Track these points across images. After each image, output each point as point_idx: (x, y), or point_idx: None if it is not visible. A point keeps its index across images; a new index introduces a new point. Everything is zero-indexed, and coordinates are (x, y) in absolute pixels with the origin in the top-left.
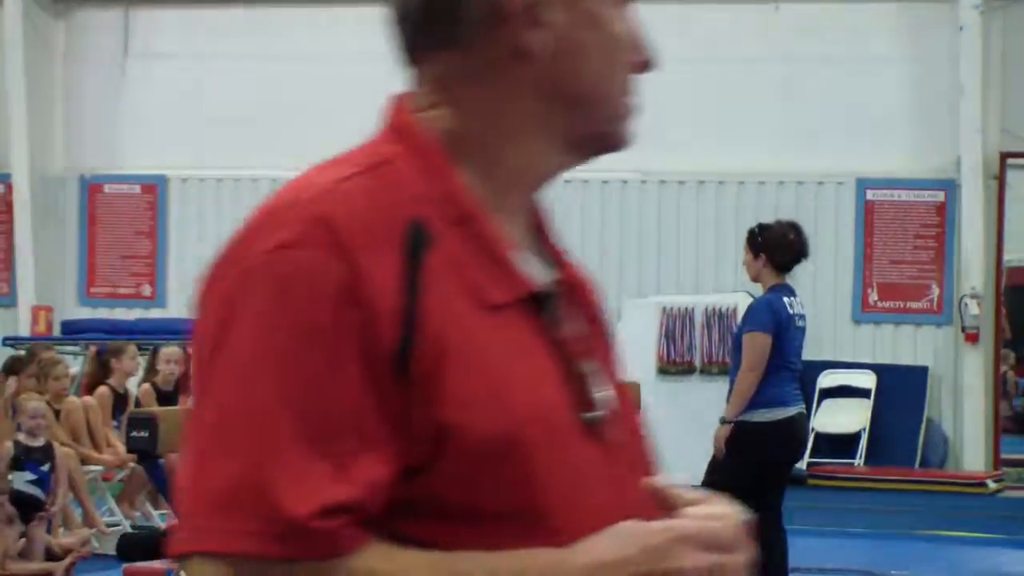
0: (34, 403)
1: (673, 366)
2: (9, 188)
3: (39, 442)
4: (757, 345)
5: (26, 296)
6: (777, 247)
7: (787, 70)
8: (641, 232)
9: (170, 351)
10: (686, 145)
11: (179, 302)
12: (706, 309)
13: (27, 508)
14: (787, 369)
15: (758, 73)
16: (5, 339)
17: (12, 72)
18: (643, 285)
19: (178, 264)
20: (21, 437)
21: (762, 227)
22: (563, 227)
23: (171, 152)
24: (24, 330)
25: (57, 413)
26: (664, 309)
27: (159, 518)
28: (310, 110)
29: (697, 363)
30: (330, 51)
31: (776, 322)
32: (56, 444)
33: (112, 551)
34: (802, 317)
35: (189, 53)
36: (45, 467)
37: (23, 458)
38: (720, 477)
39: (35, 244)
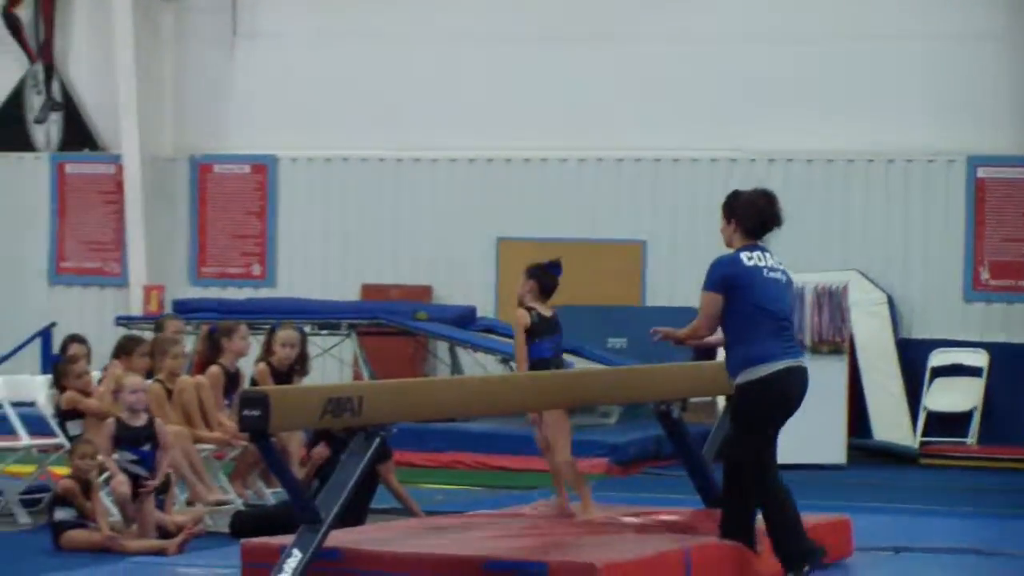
0: (134, 378)
1: None
2: (120, 169)
3: (141, 421)
4: (705, 302)
5: (138, 276)
6: (745, 213)
7: (894, 48)
8: None
9: (287, 335)
10: (792, 123)
11: (289, 281)
12: (816, 287)
13: (133, 484)
14: (768, 321)
15: (867, 51)
16: (118, 319)
17: (122, 54)
18: None
19: (288, 244)
20: (124, 416)
21: (736, 193)
22: (672, 209)
23: (280, 132)
24: (136, 310)
25: (169, 393)
26: None
27: (271, 496)
28: (419, 90)
29: (808, 342)
30: (440, 31)
31: (724, 277)
32: (159, 421)
33: (225, 529)
34: (775, 269)
35: (297, 33)
36: (146, 447)
37: (122, 439)
38: (736, 449)
39: (146, 225)
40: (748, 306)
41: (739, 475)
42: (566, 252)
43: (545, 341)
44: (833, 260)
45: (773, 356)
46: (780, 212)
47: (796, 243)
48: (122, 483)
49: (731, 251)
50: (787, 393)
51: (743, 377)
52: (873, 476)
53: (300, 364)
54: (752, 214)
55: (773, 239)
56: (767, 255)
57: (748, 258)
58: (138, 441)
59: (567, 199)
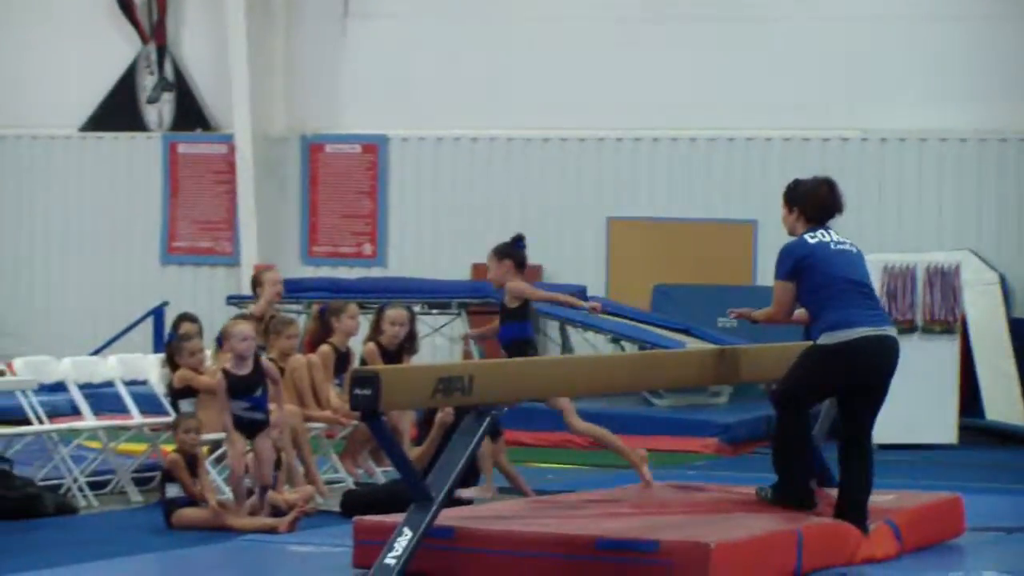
0: (242, 325)
1: (895, 324)
2: (232, 149)
3: (247, 368)
4: (778, 291)
5: (249, 255)
6: (808, 201)
7: (1005, 28)
8: (861, 190)
9: (396, 313)
10: (904, 103)
11: (400, 261)
12: (927, 267)
13: (250, 430)
14: (848, 287)
15: (981, 31)
16: (229, 298)
17: (234, 34)
18: (865, 243)
19: (399, 224)
20: (229, 366)
21: (797, 182)
22: (784, 188)
23: (391, 112)
24: (247, 289)
25: (281, 372)
26: (885, 267)
27: (382, 475)
28: (530, 70)
29: (919, 321)
30: (552, 11)
31: (795, 261)
32: (263, 358)
33: (336, 508)
34: (842, 243)
35: (408, 12)
36: (258, 392)
37: (234, 390)
38: (792, 383)
39: (257, 204)
40: (824, 277)
41: (783, 409)
42: (677, 232)
43: (529, 321)
44: (945, 239)
45: (857, 322)
46: (841, 199)
47: (909, 223)
48: (238, 455)
49: (794, 238)
50: (870, 360)
51: (825, 339)
52: (984, 456)
53: (409, 343)
54: (814, 202)
55: (886, 219)
56: (831, 232)
57: (812, 237)
58: (250, 388)
59: (678, 179)
